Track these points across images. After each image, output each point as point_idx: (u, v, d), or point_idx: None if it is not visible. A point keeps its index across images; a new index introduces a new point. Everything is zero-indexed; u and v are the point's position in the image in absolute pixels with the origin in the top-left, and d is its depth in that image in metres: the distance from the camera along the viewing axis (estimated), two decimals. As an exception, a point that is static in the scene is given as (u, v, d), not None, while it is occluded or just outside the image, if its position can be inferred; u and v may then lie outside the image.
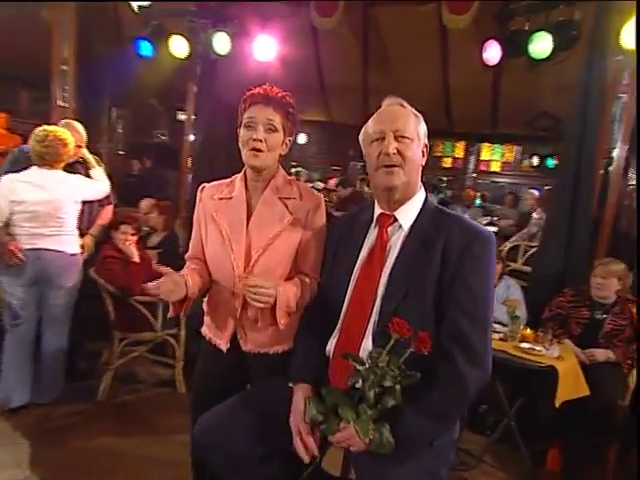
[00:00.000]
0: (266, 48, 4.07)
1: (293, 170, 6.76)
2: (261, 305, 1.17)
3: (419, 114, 1.16)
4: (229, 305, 1.32)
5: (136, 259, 2.63)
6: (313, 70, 5.75)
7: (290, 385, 1.20)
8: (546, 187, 6.24)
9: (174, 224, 3.68)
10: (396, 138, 1.10)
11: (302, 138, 8.71)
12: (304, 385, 1.17)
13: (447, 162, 8.52)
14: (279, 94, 1.27)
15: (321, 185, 7.83)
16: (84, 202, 2.50)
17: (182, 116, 8.31)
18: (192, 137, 4.61)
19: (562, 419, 2.26)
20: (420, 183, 1.19)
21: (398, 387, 0.96)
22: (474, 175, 8.31)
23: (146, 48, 4.19)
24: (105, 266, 2.53)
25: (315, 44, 5.40)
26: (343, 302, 1.17)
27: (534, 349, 2.23)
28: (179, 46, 4.04)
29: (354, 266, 1.18)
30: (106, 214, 2.79)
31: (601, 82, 2.85)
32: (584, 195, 2.87)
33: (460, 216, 1.15)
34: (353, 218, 1.29)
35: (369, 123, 1.19)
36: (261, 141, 1.24)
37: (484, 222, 5.74)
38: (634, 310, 2.50)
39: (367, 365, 0.99)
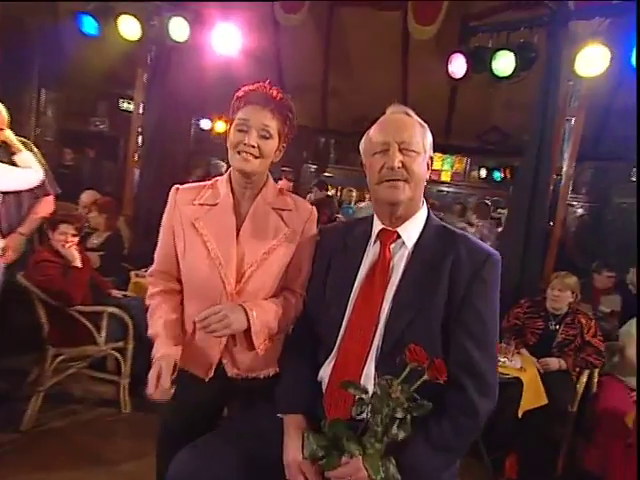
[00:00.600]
0: (226, 39, 3.87)
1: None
2: (218, 334, 1.08)
3: (424, 124, 1.10)
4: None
5: (78, 264, 2.34)
6: (273, 67, 5.60)
7: (279, 416, 1.09)
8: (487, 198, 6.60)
9: (117, 223, 3.36)
10: (401, 150, 1.03)
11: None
12: (296, 416, 1.06)
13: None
14: (279, 96, 1.15)
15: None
16: (5, 193, 2.16)
17: (126, 104, 7.81)
18: (140, 129, 4.26)
19: (519, 427, 2.35)
20: (423, 198, 1.13)
21: (409, 418, 0.90)
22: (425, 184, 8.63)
23: (89, 25, 3.80)
24: (41, 271, 2.22)
25: (277, 40, 5.26)
26: (340, 324, 1.08)
27: (498, 361, 2.30)
28: (129, 27, 3.71)
29: (352, 284, 1.09)
30: (43, 208, 2.42)
31: (555, 104, 3.05)
32: (539, 209, 3.04)
33: (466, 235, 1.09)
34: (345, 231, 1.20)
35: (371, 132, 1.11)
36: (253, 147, 1.12)
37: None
38: (583, 321, 2.69)
39: (377, 394, 0.91)
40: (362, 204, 6.28)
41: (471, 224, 5.42)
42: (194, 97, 4.14)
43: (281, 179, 9.71)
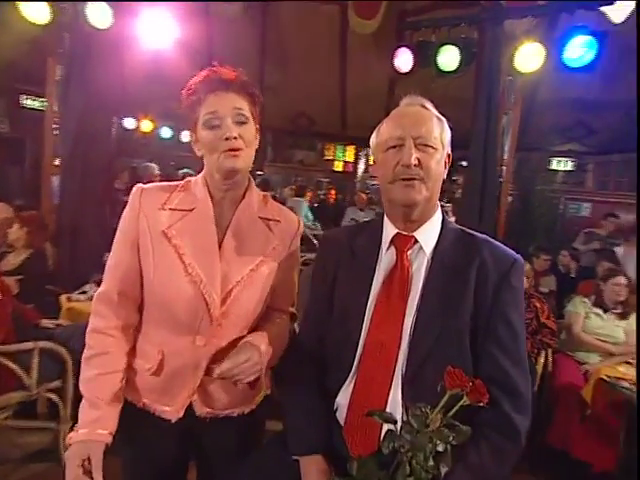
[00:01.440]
0: (155, 29, 3.54)
1: (180, 172, 6.10)
2: (252, 379, 0.95)
3: (443, 117, 1.00)
4: (190, 358, 0.99)
5: (-6, 293, 1.95)
6: (204, 60, 5.29)
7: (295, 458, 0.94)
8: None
9: (43, 240, 2.90)
10: (417, 146, 0.93)
11: (187, 136, 8.04)
12: (316, 457, 0.92)
13: (338, 166, 8.82)
14: (235, 74, 0.99)
15: None
16: None
17: (29, 101, 6.89)
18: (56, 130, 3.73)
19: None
20: (437, 200, 1.03)
21: (449, 448, 0.80)
22: (364, 179, 8.77)
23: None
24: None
25: (209, 32, 4.96)
26: (357, 341, 0.96)
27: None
28: (36, 9, 3.21)
29: (367, 297, 0.97)
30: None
31: (497, 97, 3.20)
32: (490, 198, 3.17)
33: (488, 238, 1.01)
34: (350, 237, 1.07)
35: (383, 126, 1.00)
36: (236, 138, 0.95)
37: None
38: (538, 305, 2.86)
39: (411, 426, 0.80)
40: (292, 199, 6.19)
41: None
42: (117, 93, 3.74)
43: None
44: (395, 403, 0.91)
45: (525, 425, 0.90)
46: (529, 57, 2.91)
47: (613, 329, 2.87)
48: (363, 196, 7.21)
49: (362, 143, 8.31)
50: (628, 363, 2.63)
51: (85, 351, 1.00)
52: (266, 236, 1.05)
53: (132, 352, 1.04)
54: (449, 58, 3.15)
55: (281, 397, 1.06)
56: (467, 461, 0.85)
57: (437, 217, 1.02)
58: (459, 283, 0.93)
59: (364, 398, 0.93)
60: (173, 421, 1.01)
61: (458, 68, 3.15)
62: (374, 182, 8.95)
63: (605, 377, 2.33)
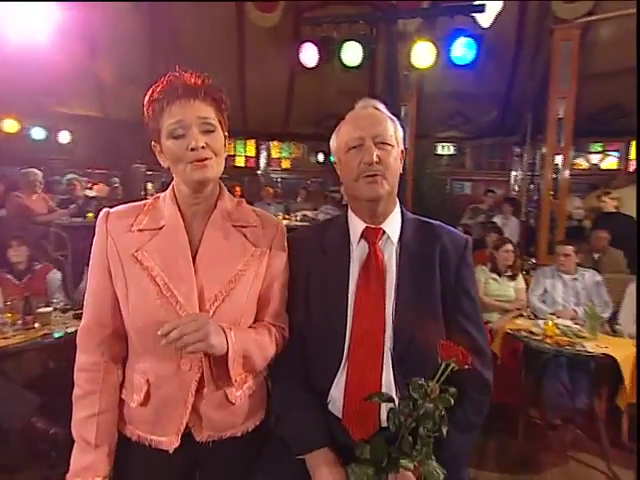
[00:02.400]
0: (22, 15, 3.08)
1: (65, 178, 5.42)
2: (192, 348, 0.86)
3: (394, 117, 1.09)
4: (176, 384, 0.95)
5: None
6: (86, 54, 4.71)
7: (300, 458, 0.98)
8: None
9: None
10: (376, 145, 1.01)
11: (65, 136, 7.06)
12: (323, 451, 0.97)
13: (240, 161, 8.66)
14: (200, 79, 0.94)
15: (92, 193, 6.66)
16: None
17: None
18: None
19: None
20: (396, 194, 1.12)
21: (444, 411, 0.91)
22: (267, 172, 8.77)
23: None
24: None
25: (91, 20, 4.42)
26: (343, 334, 1.02)
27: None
28: None
29: (347, 291, 1.03)
30: None
31: (397, 91, 3.50)
32: (403, 189, 3.47)
33: (441, 225, 1.13)
34: (318, 235, 1.12)
35: (342, 129, 1.06)
36: (203, 147, 0.92)
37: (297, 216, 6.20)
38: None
39: (414, 399, 0.89)
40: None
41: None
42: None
43: (97, 184, 8.46)
44: (389, 384, 0.99)
45: (491, 378, 1.05)
46: (423, 54, 3.24)
47: (506, 289, 3.40)
48: (270, 190, 7.24)
49: (263, 137, 8.29)
50: (521, 316, 3.16)
51: (74, 390, 0.94)
52: (242, 245, 1.01)
53: (123, 384, 0.98)
54: (352, 53, 3.33)
55: (277, 403, 1.07)
56: (455, 419, 0.97)
57: (397, 209, 1.11)
58: (427, 267, 1.04)
59: (359, 386, 1.00)
60: (171, 451, 0.96)
61: (362, 63, 3.34)
62: (277, 175, 9.02)
63: (509, 330, 2.77)
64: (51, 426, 2.28)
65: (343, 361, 1.02)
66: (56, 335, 2.46)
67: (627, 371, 2.39)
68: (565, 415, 2.80)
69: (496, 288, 3.40)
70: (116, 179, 8.56)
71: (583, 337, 2.61)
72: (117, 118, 6.61)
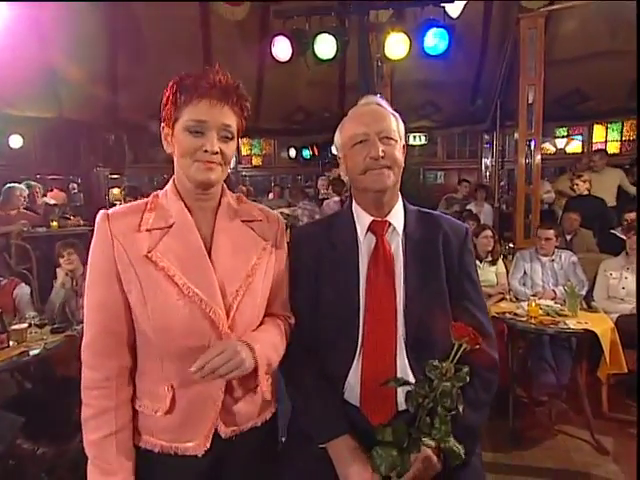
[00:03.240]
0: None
1: (24, 184, 5.16)
2: (230, 376, 0.91)
3: (396, 113, 1.15)
4: (205, 384, 0.94)
5: None
6: (40, 52, 4.49)
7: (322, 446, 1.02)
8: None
9: None
10: (381, 140, 1.07)
11: (16, 141, 6.60)
12: (345, 438, 1.01)
13: (210, 159, 8.53)
14: (235, 84, 0.97)
15: (51, 201, 6.39)
16: None
17: None
18: None
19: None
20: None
21: (458, 389, 0.97)
22: (238, 171, 8.68)
23: None
24: None
25: (44, 20, 4.22)
26: (357, 325, 1.07)
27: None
28: None
29: (357, 283, 1.09)
30: None
31: (371, 82, 3.55)
32: None
33: (440, 214, 1.22)
34: (326, 230, 1.18)
35: (346, 125, 1.12)
36: (217, 153, 0.94)
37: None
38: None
39: (430, 380, 0.95)
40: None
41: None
42: None
43: (51, 190, 8.10)
44: (403, 368, 1.05)
45: (497, 357, 1.13)
46: (396, 45, 3.31)
47: (488, 275, 3.54)
48: (243, 188, 7.20)
49: (233, 133, 8.17)
50: (504, 299, 3.30)
51: (83, 410, 0.92)
52: (253, 238, 1.04)
53: (134, 395, 0.97)
54: (326, 46, 3.36)
55: (292, 395, 1.11)
56: (467, 397, 1.03)
57: (400, 202, 1.18)
58: (432, 254, 1.11)
59: (375, 372, 1.05)
60: (200, 455, 0.96)
61: (335, 55, 3.38)
62: (248, 173, 8.95)
63: (495, 314, 2.90)
64: (37, 446, 2.22)
65: (358, 349, 1.07)
66: (33, 352, 2.38)
67: (606, 344, 2.56)
68: (550, 391, 2.96)
69: (479, 274, 3.53)
70: (74, 185, 8.26)
71: (565, 315, 2.77)
72: (75, 119, 6.35)
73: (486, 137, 8.04)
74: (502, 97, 5.85)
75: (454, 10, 3.78)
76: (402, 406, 1.04)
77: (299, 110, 6.64)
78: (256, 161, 9.01)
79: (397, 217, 1.15)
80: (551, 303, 2.99)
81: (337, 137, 1.15)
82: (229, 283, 0.97)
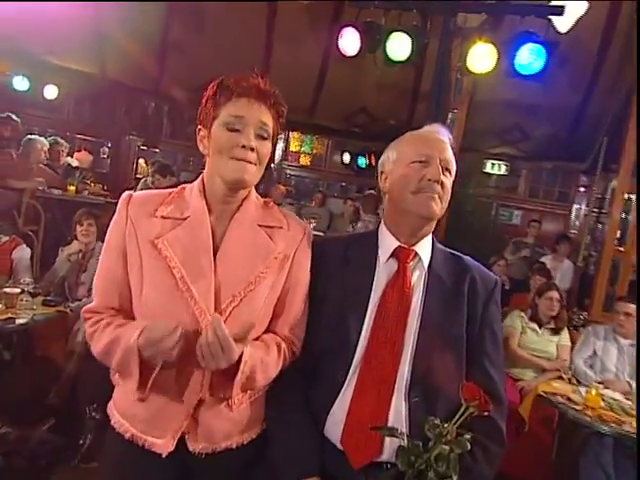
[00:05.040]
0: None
1: (49, 139, 5.60)
2: (212, 366, 1.01)
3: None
4: (182, 382, 1.08)
5: None
6: (93, 6, 4.94)
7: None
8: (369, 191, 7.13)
9: None
10: (442, 168, 1.16)
11: (51, 91, 6.98)
12: None
13: (253, 149, 8.82)
14: (273, 89, 1.13)
15: (74, 162, 6.80)
16: None
17: None
18: None
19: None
20: None
21: (456, 456, 1.00)
22: (282, 167, 8.91)
23: None
24: None
25: None
26: (353, 352, 1.14)
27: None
28: None
29: (366, 307, 1.16)
30: None
31: (446, 94, 3.59)
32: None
33: (471, 260, 1.28)
34: (346, 243, 1.27)
35: (405, 143, 1.22)
36: (253, 150, 1.08)
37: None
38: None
39: (431, 440, 0.99)
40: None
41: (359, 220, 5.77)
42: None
43: (79, 150, 8.64)
44: (398, 413, 1.10)
45: (504, 430, 1.15)
46: (482, 57, 3.34)
47: (547, 344, 3.44)
48: (282, 188, 7.36)
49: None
50: (560, 378, 3.18)
51: (87, 332, 1.12)
52: (267, 245, 1.14)
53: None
54: (400, 46, 3.45)
55: (269, 420, 1.18)
56: (464, 468, 1.05)
57: (430, 236, 1.26)
58: (455, 296, 1.18)
59: (364, 410, 1.10)
60: (164, 455, 1.08)
61: (409, 58, 3.46)
62: (293, 172, 9.16)
63: (543, 393, 2.80)
64: (0, 424, 2.38)
65: (348, 378, 1.13)
66: (19, 321, 2.56)
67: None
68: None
69: (534, 341, 3.43)
70: (105, 149, 8.81)
71: (633, 416, 2.62)
72: (117, 80, 6.80)
73: (583, 179, 7.78)
74: (611, 134, 5.65)
75: (563, 24, 3.74)
76: (386, 451, 1.08)
77: (361, 112, 6.77)
78: (304, 160, 9.22)
79: (425, 249, 1.22)
80: (620, 397, 2.85)
81: (392, 150, 1.25)
82: (227, 287, 1.09)
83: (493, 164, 7.98)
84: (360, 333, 1.15)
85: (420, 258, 1.21)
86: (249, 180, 1.10)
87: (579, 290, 5.13)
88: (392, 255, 1.21)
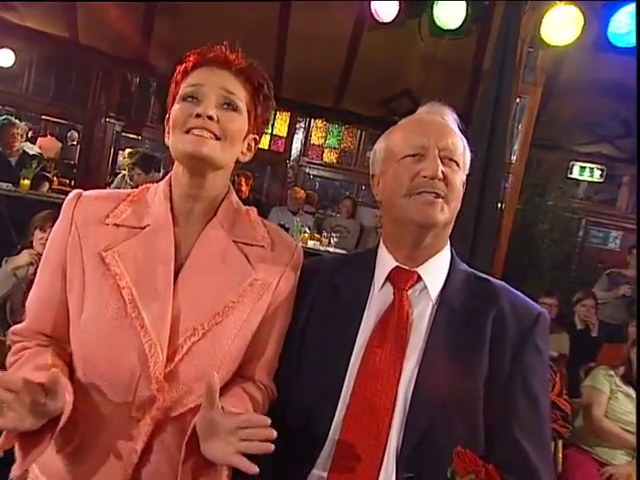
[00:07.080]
0: None
1: (0, 118, 5.79)
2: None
3: (463, 137, 1.24)
4: (122, 435, 1.09)
5: None
6: None
7: None
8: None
9: None
10: (441, 159, 1.16)
11: (6, 57, 7.00)
12: None
13: (263, 142, 8.92)
14: (244, 60, 1.18)
15: (33, 150, 6.90)
16: None
17: None
18: None
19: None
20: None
21: None
22: (301, 165, 8.93)
23: None
24: None
25: None
26: (334, 406, 1.14)
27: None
28: None
29: (352, 347, 1.16)
30: None
31: (511, 76, 3.55)
32: (491, 200, 3.46)
33: (505, 286, 1.25)
34: (334, 268, 1.28)
35: (395, 133, 1.24)
36: (211, 118, 1.10)
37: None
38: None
39: None
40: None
41: None
42: None
43: (45, 135, 8.78)
44: None
45: None
46: (562, 25, 3.30)
47: (641, 411, 3.31)
48: (300, 191, 7.37)
49: (302, 111, 8.47)
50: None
51: (9, 361, 1.15)
52: (241, 267, 1.17)
53: None
54: (451, 11, 3.46)
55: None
56: None
57: (446, 252, 1.25)
58: (472, 337, 1.15)
59: (347, 474, 1.10)
60: None
61: (461, 27, 3.46)
62: (315, 171, 9.19)
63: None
64: None
65: (330, 436, 1.13)
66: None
67: None
68: None
69: (628, 410, 3.31)
70: (74, 133, 8.98)
71: None
72: (91, 45, 6.94)
73: None
74: None
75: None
76: None
77: (404, 95, 6.72)
78: (329, 156, 9.18)
79: (434, 272, 1.21)
80: None
81: (379, 146, 1.27)
82: (187, 316, 1.11)
83: (582, 168, 7.82)
84: (343, 382, 1.14)
85: (425, 284, 1.19)
86: (209, 154, 1.11)
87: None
88: (387, 279, 1.20)
